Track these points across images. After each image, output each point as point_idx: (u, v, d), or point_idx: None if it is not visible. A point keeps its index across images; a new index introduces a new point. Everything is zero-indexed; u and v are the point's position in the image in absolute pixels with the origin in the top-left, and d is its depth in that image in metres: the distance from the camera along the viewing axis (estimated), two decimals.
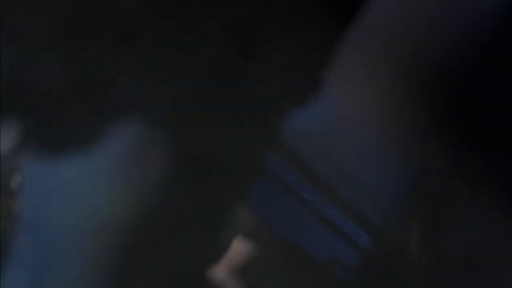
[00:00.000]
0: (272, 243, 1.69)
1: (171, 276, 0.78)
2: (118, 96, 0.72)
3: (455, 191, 1.57)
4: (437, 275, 1.58)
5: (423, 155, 1.59)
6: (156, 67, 0.75)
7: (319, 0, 0.84)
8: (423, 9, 1.50)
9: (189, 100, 0.76)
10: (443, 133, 1.53)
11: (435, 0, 1.49)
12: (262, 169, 0.93)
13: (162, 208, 0.73)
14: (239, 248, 1.64)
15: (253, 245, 1.64)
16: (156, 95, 0.73)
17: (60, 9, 0.71)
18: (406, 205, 1.66)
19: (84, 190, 0.69)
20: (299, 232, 1.82)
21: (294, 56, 0.84)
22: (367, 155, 1.62)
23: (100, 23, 0.72)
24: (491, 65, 1.52)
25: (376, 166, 1.63)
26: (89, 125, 0.70)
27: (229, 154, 0.82)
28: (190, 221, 0.79)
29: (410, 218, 1.65)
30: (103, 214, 0.68)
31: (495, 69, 1.52)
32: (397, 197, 1.66)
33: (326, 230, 1.90)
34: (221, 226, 0.87)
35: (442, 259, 1.60)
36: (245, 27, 0.78)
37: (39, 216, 0.69)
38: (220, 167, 0.82)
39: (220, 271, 1.63)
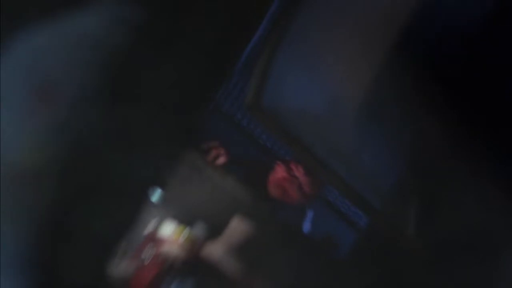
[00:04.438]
0: (270, 222, 1.70)
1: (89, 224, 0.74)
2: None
3: (452, 171, 1.57)
4: (434, 254, 1.58)
5: (421, 135, 1.59)
6: None
7: None
8: None
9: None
10: (441, 112, 1.53)
11: None
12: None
13: (73, 148, 0.69)
14: (237, 227, 1.65)
15: (251, 224, 1.65)
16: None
17: None
18: (404, 185, 1.67)
19: None
20: (297, 212, 1.83)
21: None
22: (365, 136, 1.62)
23: None
24: (490, 41, 1.52)
25: (373, 147, 1.64)
26: None
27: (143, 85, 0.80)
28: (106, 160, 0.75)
29: (407, 198, 1.66)
30: (9, 160, 0.64)
31: (494, 45, 1.52)
32: (395, 177, 1.66)
33: (324, 209, 1.91)
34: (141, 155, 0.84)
35: (439, 239, 1.60)
36: None
37: None
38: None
39: (218, 249, 1.64)
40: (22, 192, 0.67)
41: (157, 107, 0.96)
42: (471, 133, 1.51)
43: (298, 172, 1.76)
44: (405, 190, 1.66)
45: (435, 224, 1.61)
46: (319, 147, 1.64)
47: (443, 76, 1.52)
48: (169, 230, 1.63)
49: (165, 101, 0.98)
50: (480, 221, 1.55)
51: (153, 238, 1.62)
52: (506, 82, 1.51)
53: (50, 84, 0.66)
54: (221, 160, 1.73)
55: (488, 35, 1.50)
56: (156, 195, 1.57)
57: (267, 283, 1.65)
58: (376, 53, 1.53)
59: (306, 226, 1.79)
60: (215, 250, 1.64)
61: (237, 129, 1.78)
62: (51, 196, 0.69)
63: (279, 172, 1.79)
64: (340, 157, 1.65)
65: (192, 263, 1.62)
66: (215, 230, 1.65)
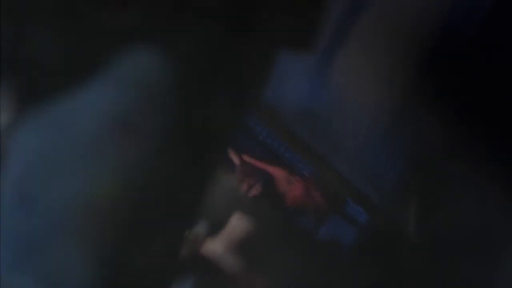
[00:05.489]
0: (271, 219, 1.70)
1: (161, 254, 0.75)
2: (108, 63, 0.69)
3: (453, 169, 1.57)
4: (434, 252, 1.59)
5: (421, 133, 1.60)
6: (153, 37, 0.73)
7: None
8: None
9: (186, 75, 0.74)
10: (441, 111, 1.53)
11: None
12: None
13: (149, 184, 0.70)
14: (237, 224, 1.65)
15: (252, 221, 1.65)
16: (151, 65, 0.71)
17: None
18: (404, 182, 1.67)
19: (68, 166, 0.66)
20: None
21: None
22: (366, 134, 1.63)
23: None
24: (490, 40, 1.52)
25: (374, 144, 1.64)
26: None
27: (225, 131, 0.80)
28: (178, 197, 0.76)
29: (407, 196, 1.66)
30: (87, 192, 0.65)
31: (494, 45, 1.52)
32: (395, 175, 1.67)
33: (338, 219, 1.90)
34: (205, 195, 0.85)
35: (439, 236, 1.60)
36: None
37: (23, 194, 0.67)
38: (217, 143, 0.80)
39: (218, 246, 1.65)
40: (94, 220, 0.68)
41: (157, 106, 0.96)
42: (471, 133, 1.52)
43: (316, 195, 1.75)
44: (405, 189, 1.66)
45: (435, 224, 1.61)
46: (319, 145, 1.65)
47: (443, 76, 1.52)
48: None
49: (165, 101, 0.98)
50: (480, 221, 1.55)
51: None
52: (506, 82, 1.51)
53: (129, 118, 0.67)
54: (254, 191, 1.74)
55: (488, 35, 1.50)
56: None
57: (268, 281, 1.65)
58: (376, 53, 1.54)
59: (322, 233, 1.79)
60: (215, 248, 1.64)
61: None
62: (120, 223, 0.70)
63: (298, 190, 1.78)
64: (340, 154, 1.65)
65: (192, 260, 1.62)
66: (215, 227, 1.65)
